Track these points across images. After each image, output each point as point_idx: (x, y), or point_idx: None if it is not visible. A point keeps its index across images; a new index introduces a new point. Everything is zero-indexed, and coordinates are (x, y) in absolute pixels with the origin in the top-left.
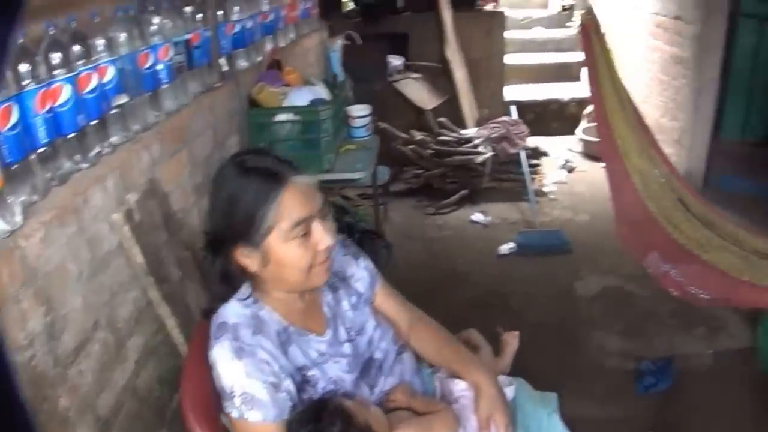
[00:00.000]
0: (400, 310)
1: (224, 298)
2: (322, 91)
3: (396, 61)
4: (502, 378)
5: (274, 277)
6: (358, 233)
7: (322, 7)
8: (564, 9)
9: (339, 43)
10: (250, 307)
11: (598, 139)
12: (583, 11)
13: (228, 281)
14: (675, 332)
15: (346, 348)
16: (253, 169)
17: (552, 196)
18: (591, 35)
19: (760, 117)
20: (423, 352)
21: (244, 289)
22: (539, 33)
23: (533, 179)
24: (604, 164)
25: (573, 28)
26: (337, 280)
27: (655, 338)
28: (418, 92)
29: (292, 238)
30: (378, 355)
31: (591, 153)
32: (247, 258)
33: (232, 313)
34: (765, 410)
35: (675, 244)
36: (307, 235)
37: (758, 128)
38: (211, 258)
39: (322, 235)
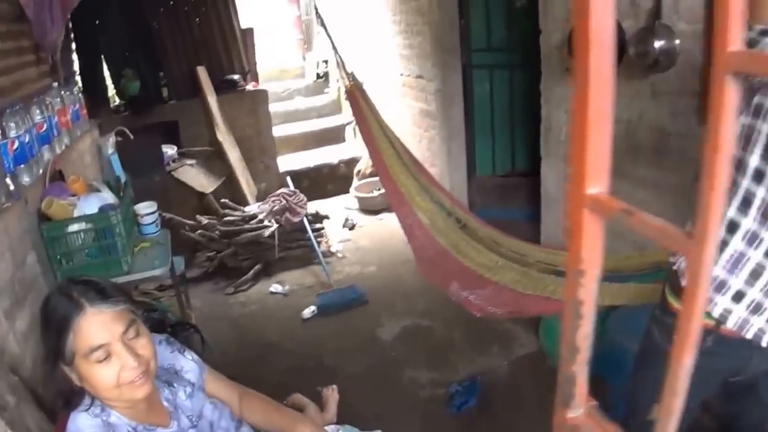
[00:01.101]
0: (228, 390)
1: (68, 409)
2: (108, 196)
3: (170, 150)
4: (330, 428)
5: (94, 393)
6: (170, 327)
7: (89, 105)
8: (319, 77)
9: (112, 140)
10: (98, 416)
11: (372, 194)
12: (344, 76)
13: (64, 396)
14: (474, 353)
15: None
16: (61, 295)
17: (340, 255)
18: (358, 98)
19: (503, 153)
20: (255, 423)
21: (87, 400)
22: (300, 103)
23: (320, 243)
24: (394, 212)
25: (331, 93)
26: (170, 376)
27: (458, 363)
28: (196, 177)
29: (94, 361)
30: None
31: (366, 208)
32: (70, 374)
33: (84, 426)
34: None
35: (468, 272)
36: (109, 357)
37: (504, 163)
38: (49, 373)
39: (125, 358)
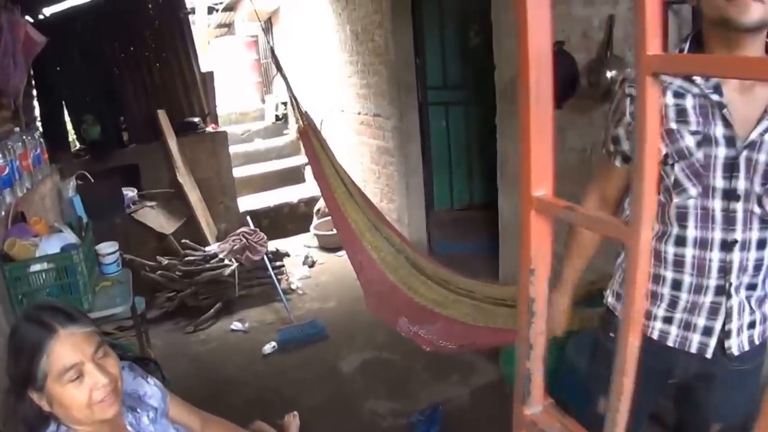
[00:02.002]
0: (191, 415)
1: None
2: (70, 236)
3: (130, 192)
4: None
5: (65, 415)
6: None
7: (50, 149)
8: (278, 119)
9: (72, 183)
10: None
11: (331, 232)
12: (298, 116)
13: (31, 424)
14: (434, 383)
15: None
16: (30, 321)
17: (300, 292)
18: (310, 137)
19: (460, 187)
20: None
21: (52, 426)
22: (260, 144)
23: (280, 280)
24: (344, 248)
25: (290, 134)
26: (133, 401)
27: (419, 393)
28: (157, 219)
29: (67, 381)
30: None
31: (326, 246)
32: (39, 401)
33: None
34: None
35: (418, 307)
36: (81, 376)
37: (461, 197)
38: (14, 403)
39: (97, 376)
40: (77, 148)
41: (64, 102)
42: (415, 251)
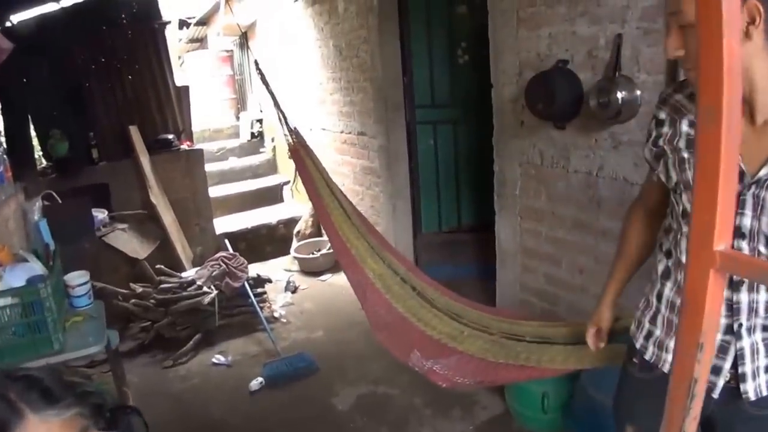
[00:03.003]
0: None
1: None
2: (36, 266)
3: (100, 214)
4: None
5: None
6: (109, 412)
7: (14, 168)
8: (254, 136)
9: (38, 204)
10: None
11: (313, 255)
12: (286, 133)
13: None
14: (436, 420)
15: None
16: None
17: (284, 320)
18: (302, 156)
19: (448, 209)
20: None
21: None
22: (235, 162)
23: (263, 308)
24: (346, 275)
25: (266, 153)
26: None
27: (420, 429)
28: (129, 243)
29: None
30: None
31: (308, 270)
32: None
33: None
34: None
35: (431, 340)
36: None
37: (449, 219)
38: None
39: None
40: (43, 165)
41: (29, 116)
42: (422, 280)
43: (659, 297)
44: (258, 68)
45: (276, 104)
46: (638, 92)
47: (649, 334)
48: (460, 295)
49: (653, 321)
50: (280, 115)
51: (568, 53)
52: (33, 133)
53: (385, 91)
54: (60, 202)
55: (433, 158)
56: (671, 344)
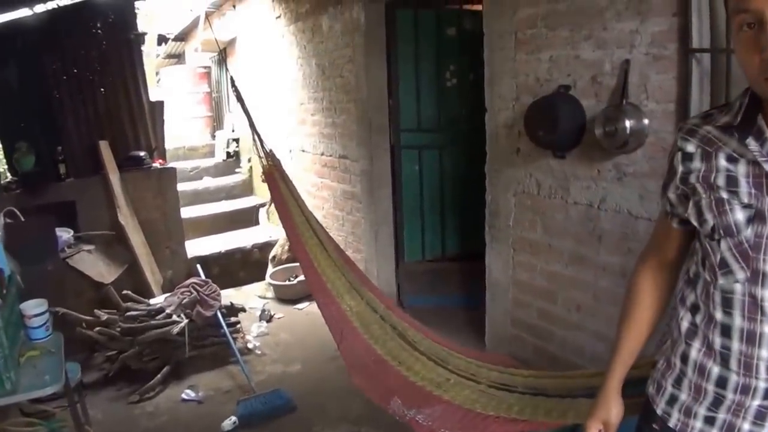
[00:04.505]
0: None
1: None
2: None
3: (65, 234)
4: None
5: None
6: None
7: None
8: (230, 156)
9: (0, 222)
10: None
11: (289, 282)
12: (262, 155)
13: None
14: None
15: None
16: None
17: (258, 352)
18: (276, 179)
19: (432, 237)
20: None
21: None
22: (209, 182)
23: (236, 339)
24: (321, 311)
25: (242, 173)
26: None
27: None
28: (95, 266)
29: None
30: None
31: (284, 297)
32: None
33: None
34: None
35: (413, 387)
36: None
37: (433, 247)
38: None
39: None
40: (7, 180)
41: None
42: (403, 320)
43: (684, 359)
44: (234, 85)
45: (251, 124)
46: (646, 121)
47: (673, 399)
48: (447, 324)
49: (677, 385)
50: (255, 137)
51: (570, 78)
52: None
53: (369, 113)
54: (23, 219)
55: (417, 184)
56: (701, 411)
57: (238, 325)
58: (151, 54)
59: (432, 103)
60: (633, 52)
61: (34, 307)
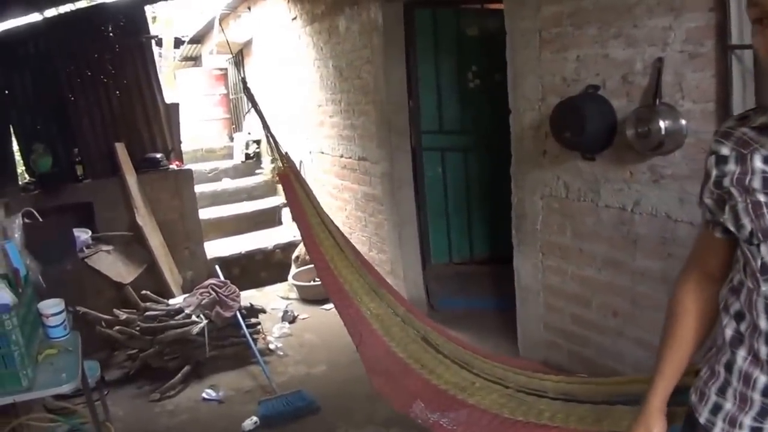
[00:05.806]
0: None
1: None
2: (4, 294)
3: (83, 234)
4: None
5: None
6: None
7: None
8: (249, 157)
9: (18, 222)
10: None
11: (314, 283)
12: (277, 157)
13: None
14: None
15: None
16: None
17: (281, 353)
18: (291, 182)
19: (459, 240)
20: None
21: None
22: (228, 184)
23: (256, 339)
24: (339, 315)
25: (262, 175)
26: None
27: None
28: (113, 266)
29: None
30: None
31: (307, 297)
32: None
33: None
34: None
35: (436, 390)
36: None
37: (461, 250)
38: None
39: None
40: (25, 181)
41: (12, 129)
42: (425, 323)
43: (728, 368)
44: (246, 87)
45: (265, 125)
46: (683, 122)
47: (717, 408)
48: (479, 327)
49: (721, 393)
50: (270, 139)
51: (599, 78)
52: (15, 147)
53: (388, 115)
54: (41, 220)
55: (441, 187)
56: (746, 420)
57: (259, 326)
58: (168, 57)
59: (454, 105)
60: (666, 50)
61: (52, 307)
